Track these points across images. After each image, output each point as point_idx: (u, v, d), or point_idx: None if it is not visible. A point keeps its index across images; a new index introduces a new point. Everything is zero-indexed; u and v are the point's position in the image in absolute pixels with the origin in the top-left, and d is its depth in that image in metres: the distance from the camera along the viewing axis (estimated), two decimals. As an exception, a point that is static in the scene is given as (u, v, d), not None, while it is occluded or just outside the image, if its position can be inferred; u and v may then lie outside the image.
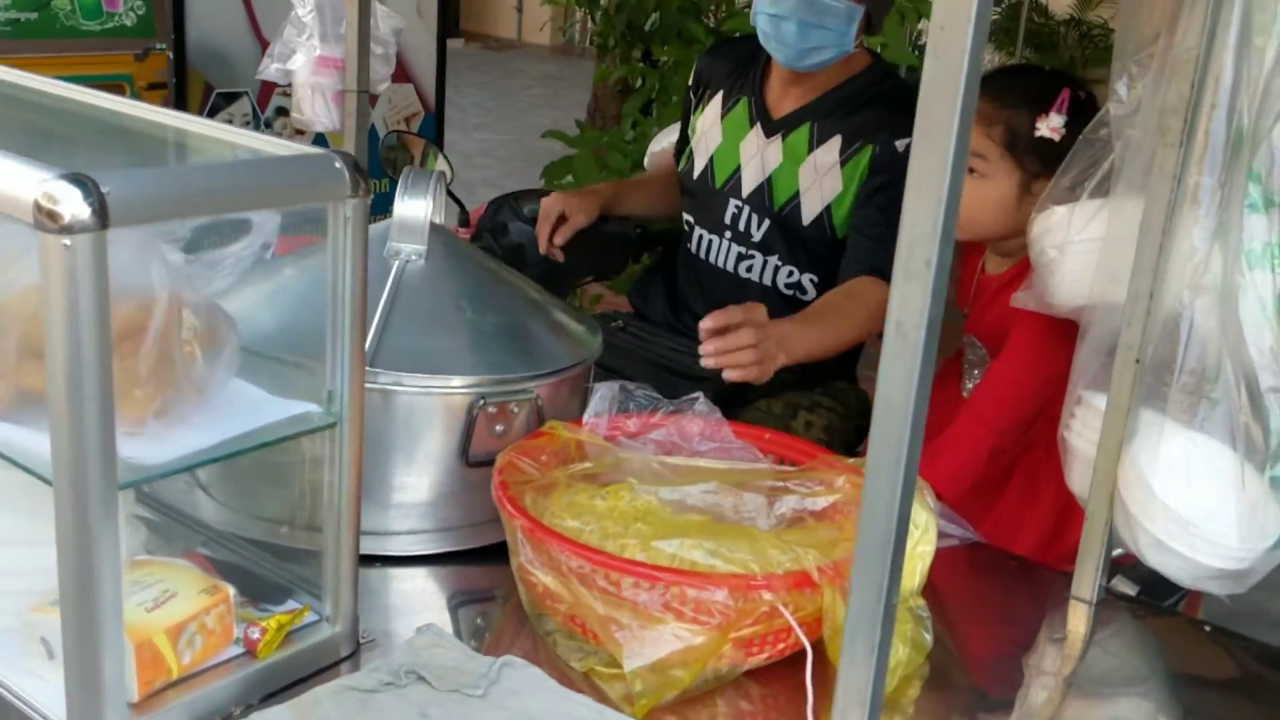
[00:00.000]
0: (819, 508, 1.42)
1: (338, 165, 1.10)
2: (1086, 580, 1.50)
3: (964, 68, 0.83)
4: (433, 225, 1.63)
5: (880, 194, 2.04)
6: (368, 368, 1.41)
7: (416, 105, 4.54)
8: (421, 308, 1.52)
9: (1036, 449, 1.92)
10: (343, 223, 1.12)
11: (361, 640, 1.29)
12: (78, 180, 0.91)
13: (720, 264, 2.22)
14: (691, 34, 4.95)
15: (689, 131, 2.33)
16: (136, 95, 4.09)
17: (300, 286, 1.44)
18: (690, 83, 2.36)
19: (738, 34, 3.79)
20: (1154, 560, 1.42)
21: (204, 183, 1.01)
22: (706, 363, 1.65)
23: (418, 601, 1.47)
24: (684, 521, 1.36)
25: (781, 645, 1.28)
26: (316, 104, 2.12)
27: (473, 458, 1.47)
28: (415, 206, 1.56)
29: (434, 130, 4.61)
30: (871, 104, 2.08)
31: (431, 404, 1.47)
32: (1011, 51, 8.27)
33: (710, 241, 2.23)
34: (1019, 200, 1.86)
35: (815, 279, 2.16)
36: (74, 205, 0.90)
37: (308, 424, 1.17)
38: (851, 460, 1.49)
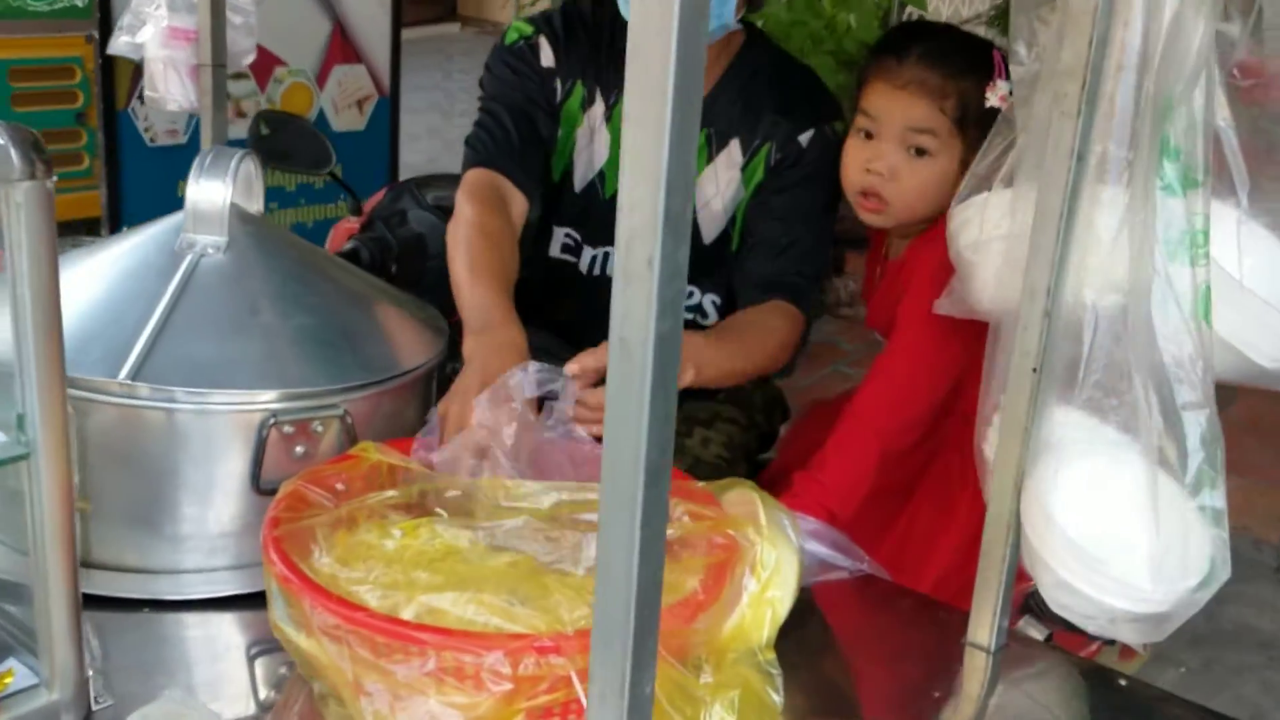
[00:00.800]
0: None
1: (1, 142, 0.90)
2: (983, 623, 1.28)
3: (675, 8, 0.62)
4: (241, 214, 1.43)
5: (781, 197, 1.77)
6: (131, 381, 1.21)
7: (369, 88, 4.34)
8: (211, 310, 1.32)
9: (948, 450, 1.70)
10: (14, 211, 0.91)
11: (96, 705, 1.09)
12: None
13: (603, 284, 1.91)
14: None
15: (554, 129, 1.83)
16: (87, 78, 3.93)
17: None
18: (543, 61, 1.81)
19: None
20: (1057, 601, 1.21)
21: None
22: (581, 425, 1.31)
23: (199, 652, 1.26)
24: (489, 567, 1.15)
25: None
26: (170, 80, 1.91)
27: (266, 485, 1.27)
28: (211, 190, 1.36)
29: (388, 115, 4.41)
30: (766, 91, 1.79)
31: (212, 423, 1.26)
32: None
33: (603, 260, 1.91)
34: (957, 179, 1.64)
35: (718, 300, 1.89)
36: None
37: (-14, 456, 0.97)
38: (703, 485, 1.27)
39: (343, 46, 4.21)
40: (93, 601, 1.24)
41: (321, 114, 4.20)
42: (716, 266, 1.86)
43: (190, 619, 1.27)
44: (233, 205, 1.40)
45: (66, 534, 1.01)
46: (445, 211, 2.27)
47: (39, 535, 1.00)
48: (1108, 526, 1.17)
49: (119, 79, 3.79)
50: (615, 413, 0.70)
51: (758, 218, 1.79)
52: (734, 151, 1.80)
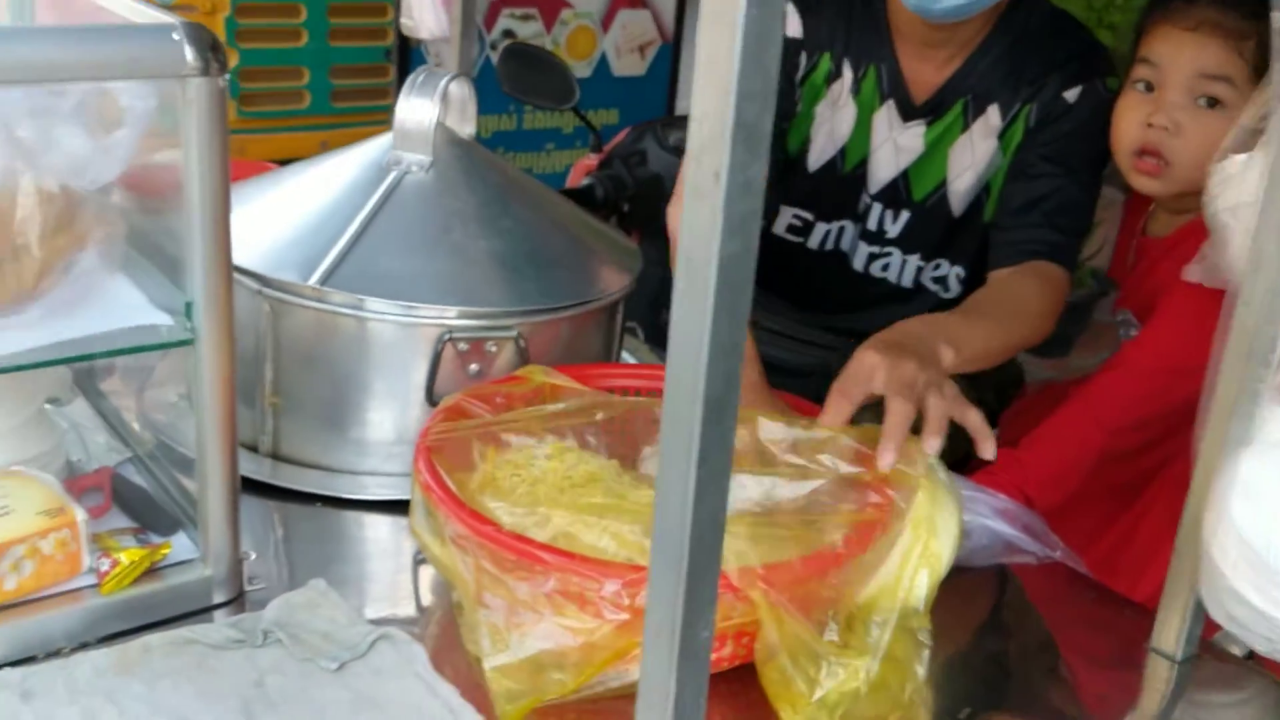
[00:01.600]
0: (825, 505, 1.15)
1: (175, 37, 0.94)
2: (1170, 628, 1.15)
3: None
4: (450, 135, 1.46)
5: (1040, 152, 1.60)
6: (320, 286, 1.27)
7: (653, 33, 4.37)
8: (406, 226, 1.35)
9: (1186, 457, 1.53)
10: (187, 108, 0.96)
11: (249, 587, 1.15)
12: None
13: (849, 263, 1.81)
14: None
15: (794, 103, 1.72)
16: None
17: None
18: (789, 31, 1.69)
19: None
20: (1224, 611, 1.07)
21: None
22: (886, 463, 1.15)
23: (360, 551, 1.31)
24: (628, 500, 1.13)
25: (712, 656, 1.04)
26: (424, 8, 1.98)
27: (439, 398, 1.30)
28: (419, 109, 1.40)
29: (669, 61, 4.43)
30: (1030, 52, 1.62)
31: (391, 333, 1.30)
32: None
33: (837, 236, 1.80)
34: None
35: (963, 273, 1.75)
36: None
37: (154, 337, 1.03)
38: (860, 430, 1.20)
39: (629, -10, 4.25)
40: (276, 492, 1.33)
41: (603, 58, 4.26)
42: (967, 239, 1.73)
43: (359, 518, 1.32)
44: (442, 126, 1.43)
45: (227, 420, 1.07)
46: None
47: (201, 419, 1.06)
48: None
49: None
50: (678, 338, 0.66)
51: (1012, 180, 1.64)
52: (991, 117, 1.65)
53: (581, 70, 4.13)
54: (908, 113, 1.68)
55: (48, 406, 1.28)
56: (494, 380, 1.28)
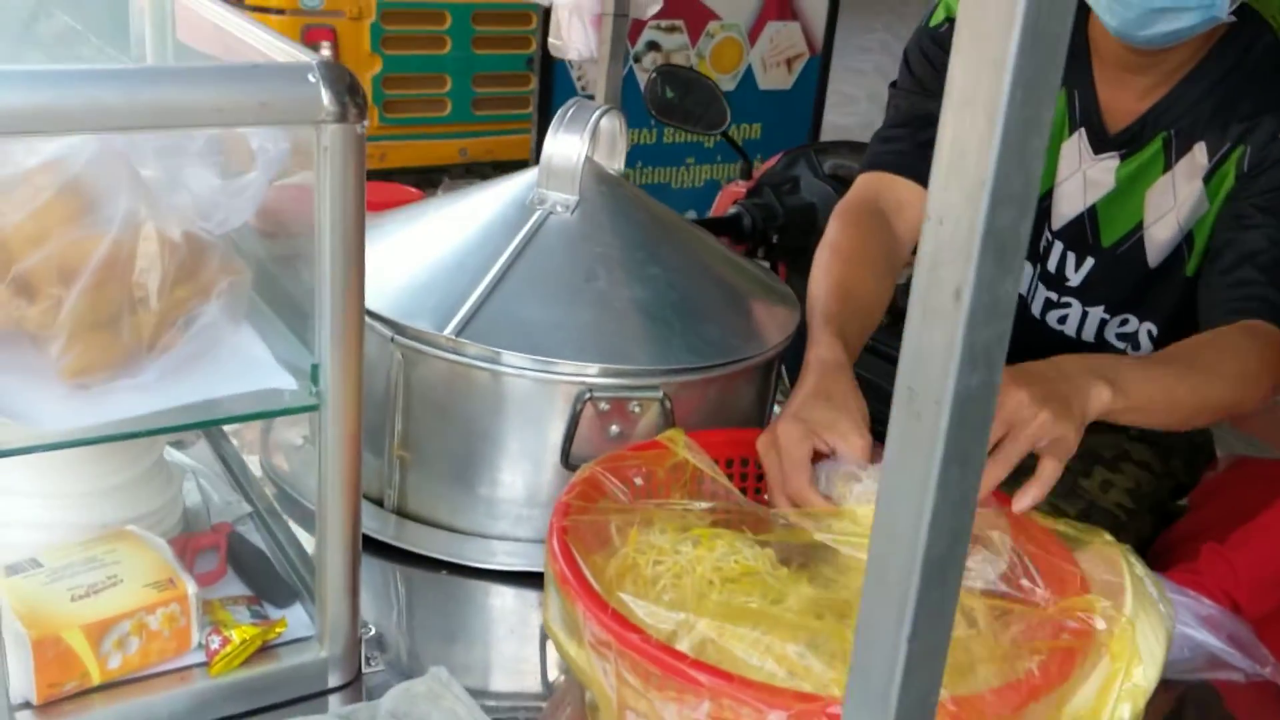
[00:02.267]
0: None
1: (311, 79, 0.85)
2: None
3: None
4: (598, 171, 1.36)
5: (1255, 202, 1.40)
6: (457, 336, 1.17)
7: (801, 46, 4.23)
8: (547, 272, 1.25)
9: None
10: (321, 155, 0.87)
11: (367, 669, 1.06)
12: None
13: (1027, 308, 1.62)
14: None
15: None
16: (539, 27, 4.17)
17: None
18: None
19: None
20: None
21: (98, 91, 0.79)
22: (1023, 505, 1.07)
23: (486, 627, 1.21)
24: (786, 606, 1.00)
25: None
26: (574, 28, 1.87)
27: (575, 460, 1.19)
28: (567, 145, 1.29)
29: (816, 75, 4.28)
30: (1245, 84, 1.42)
31: (528, 389, 1.19)
32: None
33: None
34: None
35: (1155, 330, 1.55)
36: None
37: (278, 403, 0.94)
38: (1057, 527, 1.05)
39: (779, 3, 4.12)
40: (399, 554, 1.24)
41: (749, 70, 4.14)
42: (1162, 294, 1.53)
43: (486, 588, 1.22)
44: (589, 161, 1.33)
45: (350, 487, 0.98)
46: (842, 182, 2.12)
47: (323, 486, 0.97)
48: None
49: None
50: (892, 485, 0.53)
51: (1224, 230, 1.43)
52: (1198, 157, 1.45)
53: (726, 83, 4.01)
54: (1100, 143, 1.50)
55: (169, 448, 1.21)
56: (634, 446, 1.16)
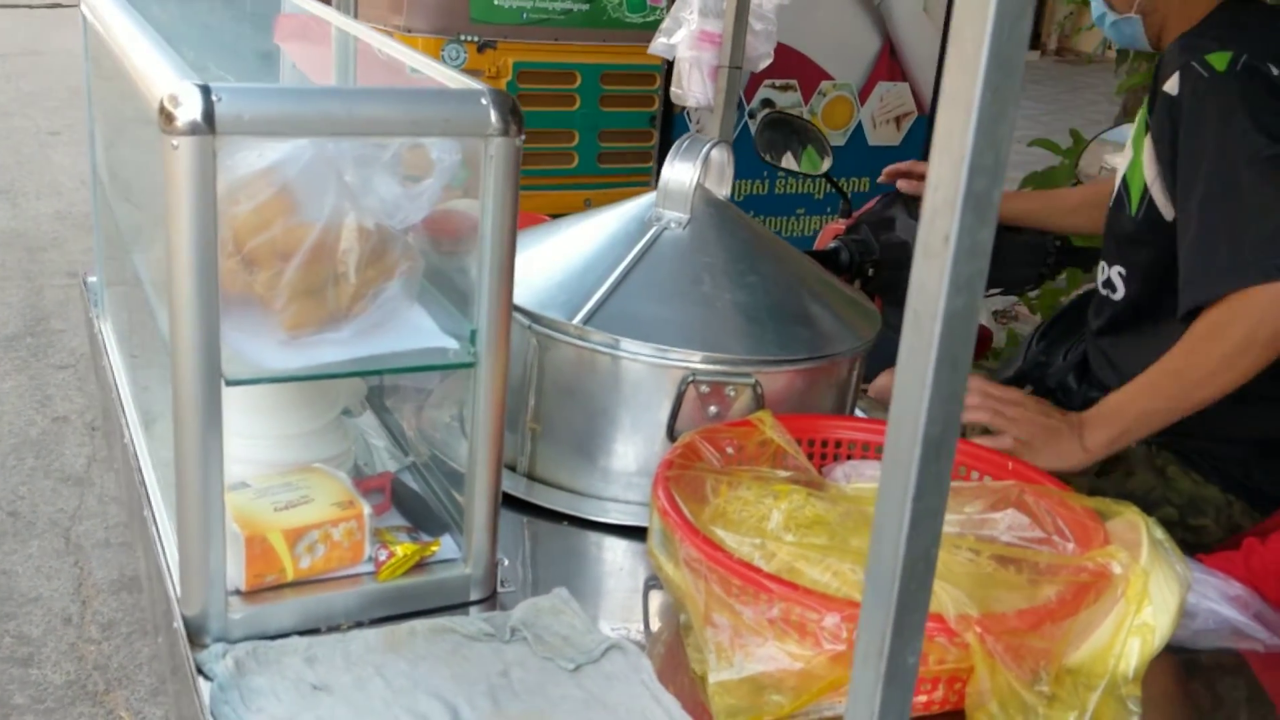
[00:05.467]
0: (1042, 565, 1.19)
1: (483, 101, 1.10)
2: (1407, 733, 1.12)
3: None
4: (708, 196, 1.58)
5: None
6: (584, 325, 1.40)
7: (909, 105, 4.42)
8: (662, 276, 1.48)
9: None
10: (487, 163, 1.11)
11: (501, 589, 1.28)
12: (198, 88, 0.99)
13: None
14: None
15: None
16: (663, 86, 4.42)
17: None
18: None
19: None
20: None
21: (326, 104, 1.05)
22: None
23: (599, 568, 1.43)
24: (851, 541, 1.20)
25: (924, 698, 1.10)
26: (693, 79, 2.12)
27: (678, 434, 1.41)
28: (682, 172, 1.52)
29: (924, 133, 4.47)
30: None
31: (642, 372, 1.42)
32: None
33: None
34: None
35: (1123, 271, 1.72)
36: (187, 110, 0.98)
37: (442, 358, 1.18)
38: (1088, 503, 1.22)
39: (889, 64, 4.33)
40: (529, 508, 1.46)
41: (859, 127, 4.35)
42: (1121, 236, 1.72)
43: (600, 539, 1.44)
44: (701, 187, 1.55)
45: (495, 439, 1.21)
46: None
47: (473, 435, 1.21)
48: None
49: (682, 83, 4.19)
50: (902, 383, 0.74)
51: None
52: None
53: (836, 139, 4.22)
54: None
55: (343, 415, 1.46)
56: (729, 423, 1.38)
